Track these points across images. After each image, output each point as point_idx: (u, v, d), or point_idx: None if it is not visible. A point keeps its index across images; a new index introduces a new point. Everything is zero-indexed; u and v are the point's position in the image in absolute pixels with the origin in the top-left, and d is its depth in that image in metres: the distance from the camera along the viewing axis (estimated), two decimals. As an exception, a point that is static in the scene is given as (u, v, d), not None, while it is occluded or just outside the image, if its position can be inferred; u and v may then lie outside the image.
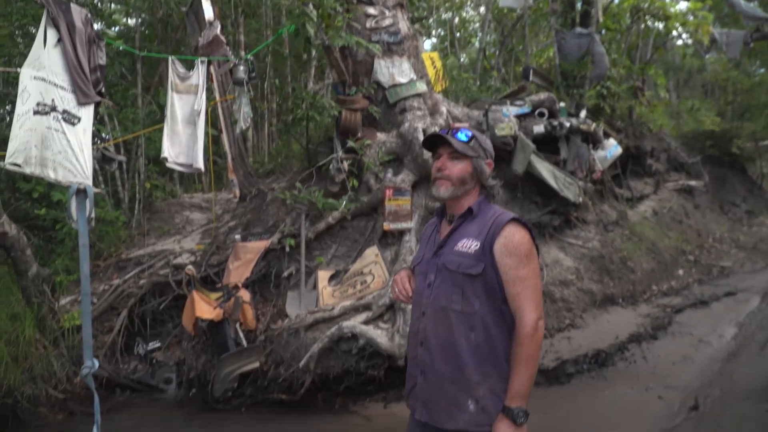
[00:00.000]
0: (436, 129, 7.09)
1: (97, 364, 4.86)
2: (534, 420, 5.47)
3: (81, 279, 4.83)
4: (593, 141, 8.43)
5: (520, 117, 8.04)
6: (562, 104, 8.37)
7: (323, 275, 6.81)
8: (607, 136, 8.87)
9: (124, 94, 11.23)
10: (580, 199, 7.86)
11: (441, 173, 2.43)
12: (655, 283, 8.45)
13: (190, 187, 12.60)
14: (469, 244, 2.32)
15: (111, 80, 11.18)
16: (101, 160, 7.54)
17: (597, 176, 8.40)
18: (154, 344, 7.27)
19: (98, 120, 10.71)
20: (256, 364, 6.24)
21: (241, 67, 6.51)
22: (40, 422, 6.20)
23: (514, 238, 2.29)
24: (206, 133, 7.16)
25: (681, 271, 8.97)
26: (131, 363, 7.40)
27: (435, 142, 2.49)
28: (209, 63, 7.25)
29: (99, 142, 8.91)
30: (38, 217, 9.39)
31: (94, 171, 9.85)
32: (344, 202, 7.00)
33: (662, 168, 10.71)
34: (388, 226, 6.77)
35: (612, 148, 8.58)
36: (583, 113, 8.45)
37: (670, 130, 11.82)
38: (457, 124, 7.68)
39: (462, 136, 2.43)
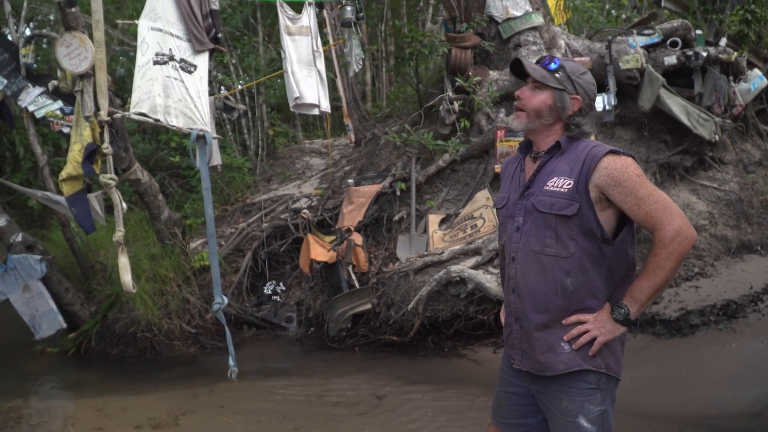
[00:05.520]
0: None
1: (226, 300, 5.20)
2: (651, 372, 5.25)
3: (206, 221, 5.14)
4: (734, 72, 7.56)
5: (648, 48, 7.36)
6: (698, 32, 7.56)
7: (433, 219, 6.78)
8: (751, 66, 7.92)
9: (247, 43, 11.60)
10: (716, 137, 7.15)
11: (518, 102, 2.26)
12: (803, 228, 7.62)
13: (313, 134, 12.92)
14: (560, 183, 2.14)
15: (235, 32, 11.56)
16: (223, 109, 7.89)
17: (738, 111, 7.57)
18: (281, 287, 7.68)
19: (224, 70, 11.22)
20: (368, 306, 6.40)
21: (348, 8, 6.45)
22: (175, 354, 6.77)
23: (616, 165, 2.09)
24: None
25: (836, 216, 8.02)
26: (251, 302, 7.86)
27: (525, 70, 2.27)
28: (320, 6, 7.27)
29: (222, 90, 9.30)
30: (178, 165, 10.03)
31: (222, 120, 10.43)
32: (453, 143, 6.85)
33: (818, 101, 9.48)
34: (499, 168, 6.56)
35: (756, 80, 7.67)
36: (723, 41, 7.58)
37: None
38: (577, 59, 7.22)
39: (550, 65, 2.23)
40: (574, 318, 2.16)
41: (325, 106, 6.56)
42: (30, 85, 6.72)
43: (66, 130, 6.77)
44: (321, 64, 6.45)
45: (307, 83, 6.56)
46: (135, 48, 5.29)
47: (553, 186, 2.17)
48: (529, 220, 2.22)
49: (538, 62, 2.28)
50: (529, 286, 2.20)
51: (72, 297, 7.01)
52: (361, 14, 6.67)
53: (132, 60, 11.91)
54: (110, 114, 4.93)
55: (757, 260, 6.86)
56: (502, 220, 2.37)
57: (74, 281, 7.49)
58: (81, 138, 5.60)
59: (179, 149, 10.66)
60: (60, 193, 6.28)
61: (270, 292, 7.55)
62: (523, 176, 2.33)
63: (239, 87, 9.91)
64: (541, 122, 2.24)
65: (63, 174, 5.69)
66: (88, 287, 7.46)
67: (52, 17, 14.02)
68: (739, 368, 5.01)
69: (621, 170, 2.09)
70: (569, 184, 2.13)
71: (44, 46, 12.14)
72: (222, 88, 10.37)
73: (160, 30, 5.12)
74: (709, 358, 5.27)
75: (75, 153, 5.62)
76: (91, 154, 5.44)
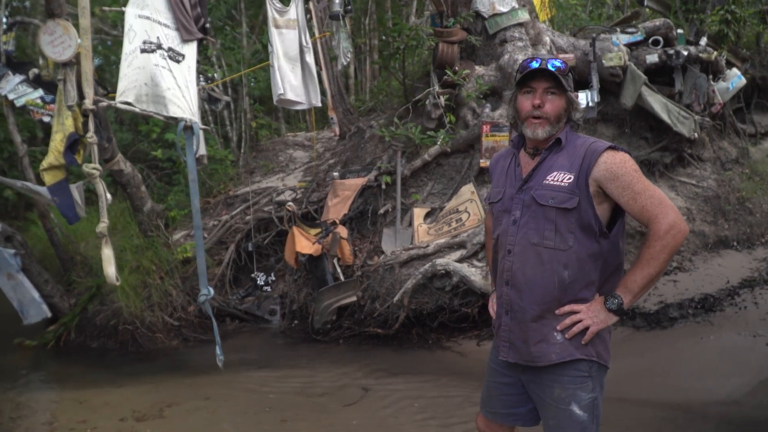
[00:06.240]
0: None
1: (212, 291, 5.16)
2: (632, 363, 5.34)
3: (192, 213, 5.09)
4: (713, 71, 7.69)
5: (631, 46, 7.46)
6: (679, 31, 7.66)
7: (419, 213, 6.82)
8: (729, 65, 8.07)
9: (230, 35, 11.51)
10: (696, 135, 7.28)
11: (540, 111, 2.23)
12: (777, 225, 7.80)
13: (296, 126, 12.87)
14: (560, 177, 2.19)
15: (217, 22, 11.46)
16: (208, 100, 7.83)
17: (716, 110, 7.71)
18: (271, 277, 7.66)
19: (205, 61, 11.14)
20: (353, 298, 6.41)
21: (337, 0, 6.45)
22: (157, 346, 6.70)
23: (615, 160, 2.15)
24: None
25: (809, 213, 8.22)
26: (239, 294, 7.82)
27: (528, 74, 2.25)
28: (306, -2, 7.25)
29: (206, 82, 9.22)
30: (157, 157, 9.94)
31: (204, 111, 10.35)
32: (442, 136, 6.88)
33: (793, 101, 9.69)
34: (484, 162, 6.62)
35: (735, 79, 7.81)
36: (703, 41, 7.70)
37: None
38: (561, 56, 7.29)
39: (556, 65, 2.21)
40: (567, 308, 2.21)
41: (315, 100, 6.56)
42: (10, 72, 6.61)
43: (47, 119, 6.67)
44: (310, 57, 6.45)
45: (292, 79, 6.53)
46: (113, 37, 5.21)
47: (553, 180, 2.21)
48: (527, 214, 2.26)
49: (540, 64, 2.24)
50: (527, 278, 2.24)
51: (51, 289, 6.91)
52: (350, 7, 6.66)
53: (109, 49, 11.78)
54: (95, 103, 4.86)
55: (734, 255, 7.02)
56: (497, 214, 2.40)
57: (53, 273, 7.38)
58: (63, 127, 5.51)
59: (159, 141, 10.55)
60: (40, 182, 6.19)
61: (262, 283, 7.52)
62: (519, 171, 2.35)
63: (219, 79, 9.82)
64: (559, 126, 2.28)
65: (44, 164, 5.59)
66: (67, 279, 7.36)
67: (27, 3, 13.77)
68: (718, 359, 5.13)
69: (620, 165, 2.15)
70: (569, 178, 2.18)
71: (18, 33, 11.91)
72: (202, 78, 10.29)
73: (147, 18, 5.04)
74: (687, 349, 5.39)
75: (57, 142, 5.53)
76: (73, 143, 5.36)
